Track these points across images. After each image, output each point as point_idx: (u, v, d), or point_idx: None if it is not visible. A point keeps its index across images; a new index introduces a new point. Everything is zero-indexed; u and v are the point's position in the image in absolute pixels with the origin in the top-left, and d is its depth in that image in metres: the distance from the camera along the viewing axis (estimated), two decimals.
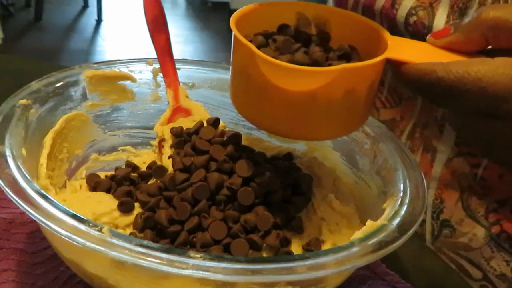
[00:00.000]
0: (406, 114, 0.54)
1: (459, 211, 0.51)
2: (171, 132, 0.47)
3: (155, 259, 0.28)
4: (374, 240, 0.32)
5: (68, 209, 0.31)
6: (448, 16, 0.48)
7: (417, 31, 0.49)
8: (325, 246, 0.40)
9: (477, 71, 0.32)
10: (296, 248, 0.40)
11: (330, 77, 0.33)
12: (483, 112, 0.33)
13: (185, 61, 0.52)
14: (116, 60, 0.50)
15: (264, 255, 0.38)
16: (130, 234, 0.39)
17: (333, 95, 0.34)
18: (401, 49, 0.36)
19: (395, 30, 0.51)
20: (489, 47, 0.35)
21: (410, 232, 0.33)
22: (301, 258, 0.30)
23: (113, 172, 0.45)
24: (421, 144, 0.53)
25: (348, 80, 0.34)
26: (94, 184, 0.43)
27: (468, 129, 0.36)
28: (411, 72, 0.34)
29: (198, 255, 0.29)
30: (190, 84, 0.52)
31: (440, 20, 0.48)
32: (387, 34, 0.37)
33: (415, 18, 0.49)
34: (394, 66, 0.36)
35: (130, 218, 0.40)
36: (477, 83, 0.32)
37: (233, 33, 0.36)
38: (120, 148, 0.51)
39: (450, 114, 0.37)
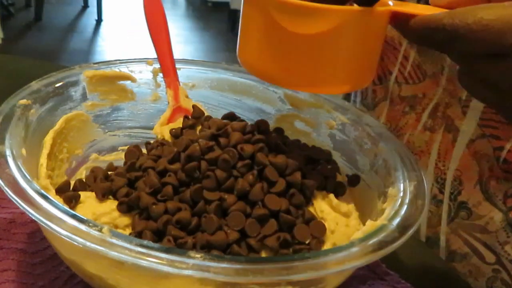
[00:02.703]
0: (429, 92, 0.54)
1: (477, 194, 0.51)
2: (170, 133, 0.47)
3: (155, 259, 0.28)
4: (374, 240, 0.32)
5: (68, 209, 0.31)
6: None
7: None
8: (325, 246, 0.40)
9: (479, 10, 0.32)
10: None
11: (345, 18, 0.34)
12: (489, 51, 0.33)
13: (185, 61, 0.52)
14: (116, 60, 0.50)
15: (264, 255, 0.38)
16: (130, 234, 0.39)
17: (343, 41, 0.35)
18: (407, 5, 0.36)
19: None
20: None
21: (410, 232, 0.33)
22: (301, 258, 0.30)
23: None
24: (443, 124, 0.53)
25: (361, 25, 0.34)
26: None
27: (478, 80, 0.35)
28: (418, 23, 0.34)
29: (198, 255, 0.29)
30: (190, 84, 0.52)
31: None
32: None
33: None
34: (399, 23, 0.36)
35: (130, 218, 0.40)
36: (480, 21, 0.32)
37: None
38: (120, 148, 0.51)
39: (456, 63, 0.37)
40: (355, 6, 0.35)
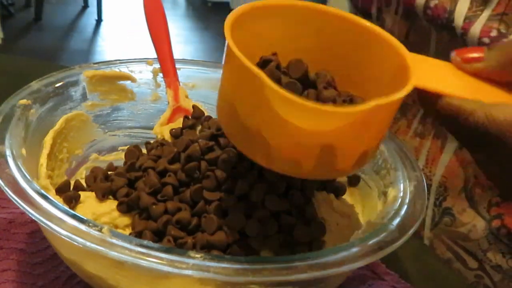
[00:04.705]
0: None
1: (462, 201, 0.51)
2: (170, 133, 0.47)
3: (155, 259, 0.28)
4: (374, 240, 0.32)
5: (68, 209, 0.31)
6: (471, 3, 0.46)
7: (437, 16, 0.46)
8: (325, 246, 0.40)
9: None
10: None
11: (360, 117, 0.29)
12: None
13: (185, 61, 0.52)
14: (116, 60, 0.50)
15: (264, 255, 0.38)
16: (130, 234, 0.39)
17: (354, 132, 0.30)
18: (426, 73, 0.32)
19: (411, 14, 0.49)
20: None
21: (410, 232, 0.33)
22: (301, 258, 0.30)
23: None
24: (432, 130, 0.52)
25: (375, 116, 0.30)
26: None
27: (507, 179, 0.32)
28: (445, 107, 0.31)
29: (198, 255, 0.29)
30: (190, 84, 0.52)
31: (463, 5, 0.45)
32: (404, 50, 0.32)
33: (436, 1, 0.47)
34: (423, 98, 0.32)
35: (130, 218, 0.40)
36: None
37: (227, 43, 0.30)
38: (120, 148, 0.51)
39: (483, 160, 0.33)
40: (375, 101, 0.29)
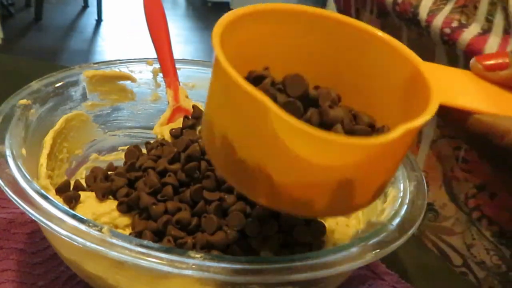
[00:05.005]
0: None
1: (443, 195, 0.51)
2: (170, 133, 0.47)
3: (155, 259, 0.28)
4: (374, 240, 0.32)
5: (68, 209, 0.31)
6: None
7: (404, 11, 0.48)
8: (325, 246, 0.40)
9: None
10: None
11: (386, 146, 0.25)
12: None
13: (185, 61, 0.52)
14: (116, 60, 0.50)
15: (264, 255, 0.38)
16: (130, 234, 0.39)
17: (377, 163, 0.26)
18: (446, 85, 0.28)
19: (384, 12, 0.50)
20: None
21: (410, 232, 0.33)
22: (301, 258, 0.30)
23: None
24: None
25: (399, 143, 0.26)
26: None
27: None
28: (475, 125, 0.28)
29: (198, 255, 0.29)
30: (190, 84, 0.52)
31: (428, 1, 0.47)
32: (416, 58, 0.29)
33: None
34: (448, 117, 0.29)
35: (130, 218, 0.40)
36: None
37: (215, 55, 0.25)
38: (120, 148, 0.51)
39: None
40: (404, 126, 0.25)
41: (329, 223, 0.41)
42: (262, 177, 0.25)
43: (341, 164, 0.25)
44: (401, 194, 0.37)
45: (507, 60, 0.30)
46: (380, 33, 0.30)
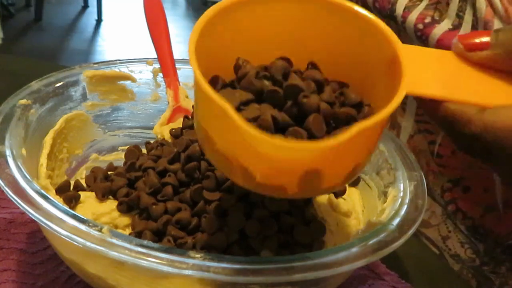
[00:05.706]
0: None
1: None
2: (170, 133, 0.47)
3: (155, 259, 0.28)
4: (374, 240, 0.32)
5: (68, 209, 0.31)
6: None
7: (383, 7, 0.50)
8: (325, 246, 0.40)
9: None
10: None
11: (340, 146, 0.26)
12: None
13: (185, 61, 0.52)
14: (116, 60, 0.50)
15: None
16: (130, 234, 0.39)
17: (337, 157, 0.27)
18: (421, 71, 0.29)
19: (365, 8, 0.51)
20: None
21: (410, 232, 0.33)
22: (301, 258, 0.30)
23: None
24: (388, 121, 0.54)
25: (359, 138, 0.26)
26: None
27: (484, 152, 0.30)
28: (443, 113, 0.28)
29: (198, 255, 0.29)
30: (190, 84, 0.52)
31: None
32: (397, 42, 0.29)
33: None
34: (425, 105, 0.30)
35: (130, 218, 0.40)
36: None
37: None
38: (120, 148, 0.51)
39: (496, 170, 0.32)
40: (358, 125, 0.26)
41: (329, 223, 0.41)
42: (237, 165, 0.29)
43: (298, 161, 0.27)
44: (401, 194, 0.37)
45: (488, 39, 0.29)
46: (364, 12, 0.31)
